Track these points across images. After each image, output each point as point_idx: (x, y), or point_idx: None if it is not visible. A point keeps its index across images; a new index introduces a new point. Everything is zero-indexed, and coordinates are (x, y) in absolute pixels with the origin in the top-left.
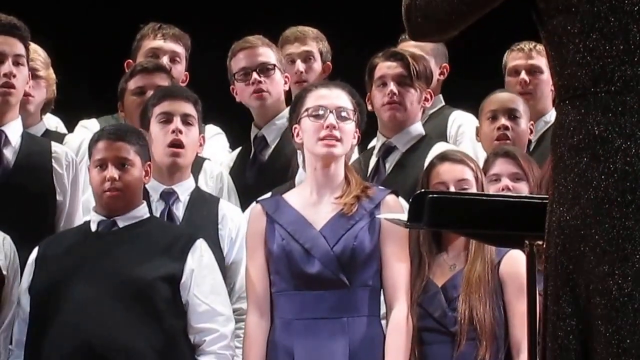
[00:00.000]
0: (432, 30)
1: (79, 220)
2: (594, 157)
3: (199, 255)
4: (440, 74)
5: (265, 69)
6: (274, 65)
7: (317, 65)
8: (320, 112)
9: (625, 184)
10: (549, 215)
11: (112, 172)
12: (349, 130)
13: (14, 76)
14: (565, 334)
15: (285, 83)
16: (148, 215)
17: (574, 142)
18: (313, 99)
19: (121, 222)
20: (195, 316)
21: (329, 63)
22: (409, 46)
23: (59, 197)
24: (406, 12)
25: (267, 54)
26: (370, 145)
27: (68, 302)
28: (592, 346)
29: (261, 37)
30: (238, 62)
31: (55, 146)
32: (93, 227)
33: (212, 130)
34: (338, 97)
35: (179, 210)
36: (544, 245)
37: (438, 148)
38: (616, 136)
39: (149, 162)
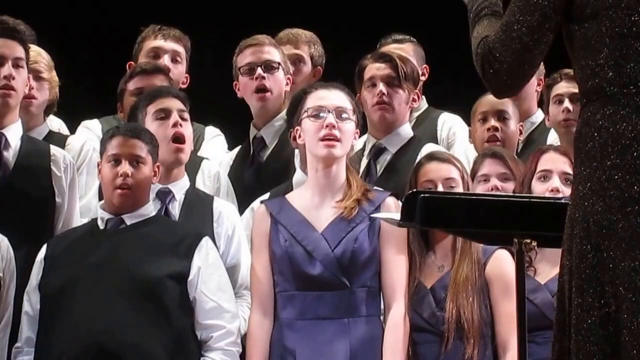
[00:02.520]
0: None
1: (76, 223)
2: (621, 155)
3: (205, 253)
4: (421, 74)
5: (269, 67)
6: (279, 64)
7: (307, 69)
8: (320, 113)
9: None
10: (572, 210)
11: (125, 167)
12: (349, 130)
13: (14, 78)
14: (590, 325)
15: (287, 84)
16: (154, 213)
17: (601, 141)
18: (313, 100)
19: (129, 220)
20: (203, 313)
21: (319, 67)
22: (390, 49)
23: (57, 199)
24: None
25: (273, 52)
26: (357, 147)
27: (78, 300)
28: (618, 337)
29: (269, 37)
30: (244, 57)
31: (53, 149)
32: (101, 225)
33: (211, 132)
34: (337, 97)
35: (175, 209)
36: (565, 239)
37: (427, 149)
38: None
39: (157, 164)
